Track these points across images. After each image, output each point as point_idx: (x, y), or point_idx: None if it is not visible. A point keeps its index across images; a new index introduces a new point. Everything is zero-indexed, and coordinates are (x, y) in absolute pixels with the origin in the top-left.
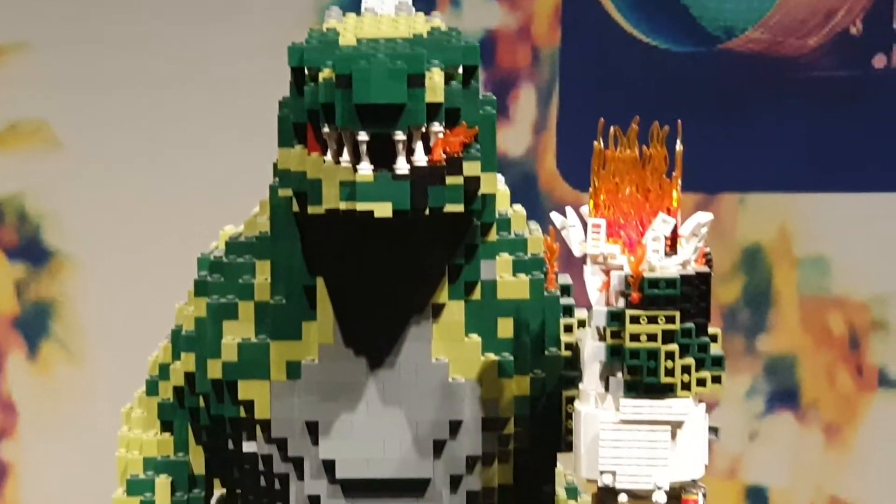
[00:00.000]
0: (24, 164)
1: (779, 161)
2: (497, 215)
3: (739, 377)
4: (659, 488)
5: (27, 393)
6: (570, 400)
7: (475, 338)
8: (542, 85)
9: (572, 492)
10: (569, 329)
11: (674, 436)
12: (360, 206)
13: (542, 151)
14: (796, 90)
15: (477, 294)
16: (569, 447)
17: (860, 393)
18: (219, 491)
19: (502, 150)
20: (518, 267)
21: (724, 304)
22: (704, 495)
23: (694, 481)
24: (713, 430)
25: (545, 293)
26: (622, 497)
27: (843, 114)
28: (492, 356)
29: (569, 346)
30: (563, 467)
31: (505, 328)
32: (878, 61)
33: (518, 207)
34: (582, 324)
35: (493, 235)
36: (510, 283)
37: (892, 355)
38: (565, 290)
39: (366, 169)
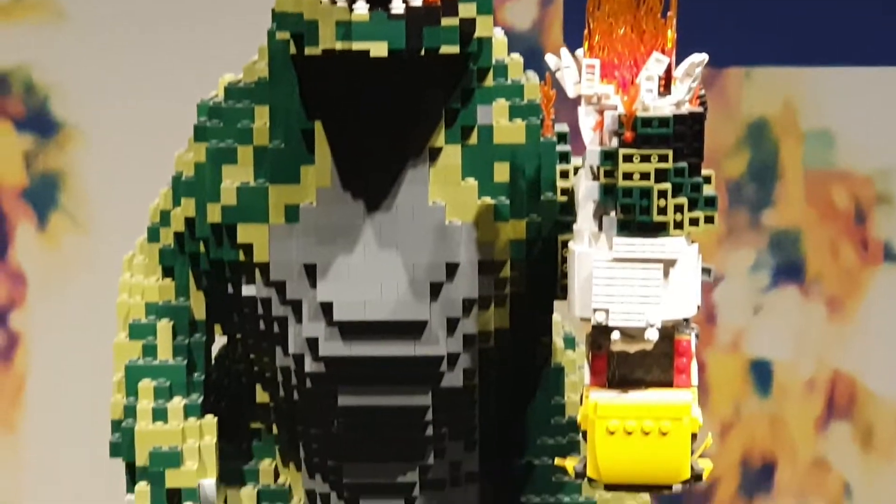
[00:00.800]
0: (31, 35)
1: (785, 34)
2: (494, 61)
3: (744, 251)
4: (651, 326)
5: (36, 263)
6: (566, 244)
7: (471, 181)
8: None
9: (570, 342)
10: (565, 175)
11: (666, 274)
12: (356, 46)
13: (548, 25)
14: None
15: (473, 138)
16: (565, 293)
17: (864, 267)
18: (220, 338)
19: (508, 24)
20: (514, 112)
21: (729, 179)
22: (697, 336)
23: (686, 322)
24: (706, 271)
25: (541, 139)
26: (615, 335)
27: None
28: (488, 200)
29: (565, 192)
30: (561, 318)
31: (501, 172)
32: None
33: (515, 56)
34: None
35: (489, 81)
36: (506, 128)
37: None
38: (562, 137)
39: (362, 8)
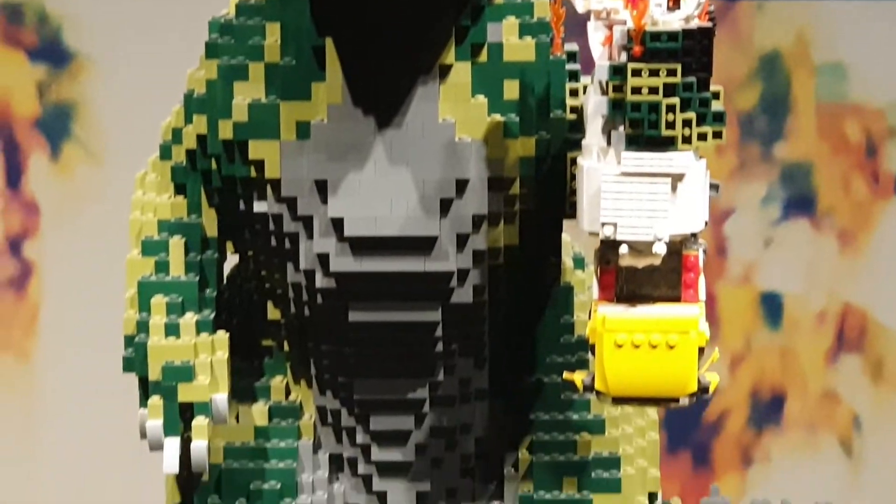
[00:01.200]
0: None
1: None
2: None
3: (756, 184)
4: (659, 240)
5: (49, 193)
6: (575, 161)
7: (481, 99)
8: None
9: (579, 262)
10: (574, 93)
11: (674, 189)
12: None
13: None
14: None
15: (483, 56)
16: (573, 210)
17: (875, 200)
18: (231, 257)
19: None
20: (524, 30)
21: (741, 111)
22: (705, 251)
23: (694, 237)
24: (714, 187)
25: (551, 57)
26: (623, 249)
27: None
28: (497, 117)
29: (574, 110)
30: (570, 238)
31: (511, 90)
32: None
33: None
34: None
35: None
36: (516, 46)
37: None
38: (571, 56)
39: None
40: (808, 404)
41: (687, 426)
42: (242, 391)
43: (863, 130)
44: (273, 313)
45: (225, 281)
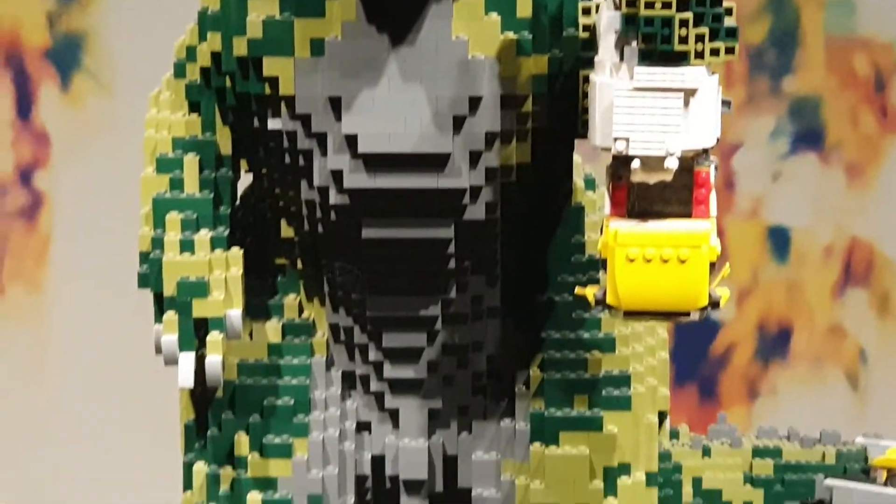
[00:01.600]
0: None
1: None
2: None
3: (764, 118)
4: (671, 154)
5: (60, 124)
6: (588, 80)
7: (494, 16)
8: None
9: (590, 183)
10: (587, 12)
11: (686, 104)
12: None
13: None
14: None
15: None
16: (585, 128)
17: (883, 134)
18: (245, 176)
19: None
20: None
21: (750, 45)
22: (716, 168)
23: (706, 153)
24: (726, 103)
25: None
26: (635, 164)
27: None
28: (510, 35)
29: (587, 28)
30: (581, 159)
31: (524, 7)
32: None
33: None
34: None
35: None
36: None
37: None
38: None
39: None
40: (815, 338)
41: (694, 359)
42: (256, 309)
43: (871, 64)
44: (286, 231)
45: (238, 201)
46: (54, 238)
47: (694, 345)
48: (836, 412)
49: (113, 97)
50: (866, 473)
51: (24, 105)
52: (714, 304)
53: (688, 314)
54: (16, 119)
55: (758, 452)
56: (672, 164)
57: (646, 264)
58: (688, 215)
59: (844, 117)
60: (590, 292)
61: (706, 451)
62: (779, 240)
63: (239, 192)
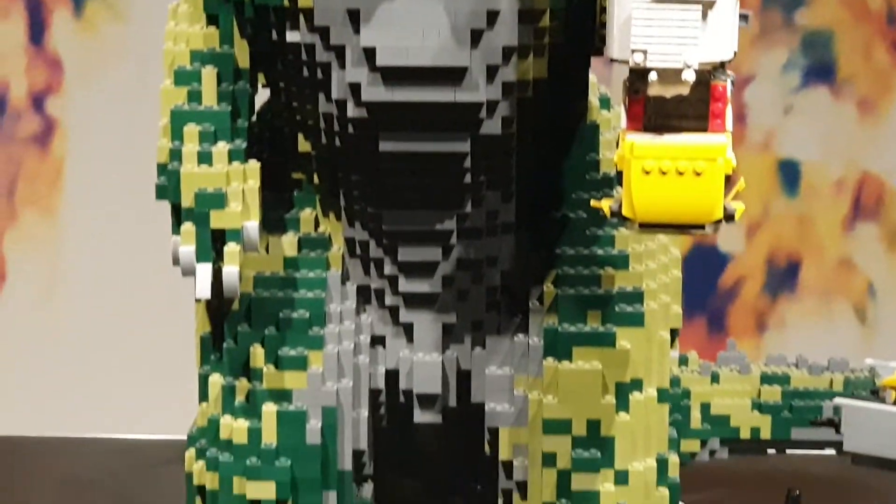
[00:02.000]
0: None
1: None
2: None
3: (776, 51)
4: (688, 66)
5: (73, 50)
6: None
7: None
8: None
9: (605, 102)
10: None
11: (704, 16)
12: None
13: None
14: None
15: None
16: (602, 45)
17: (895, 69)
18: (262, 92)
19: None
20: None
21: None
22: (733, 82)
23: (723, 67)
24: (743, 17)
25: None
26: (652, 76)
27: None
28: None
29: None
30: (597, 79)
31: None
32: None
33: None
34: None
35: None
36: None
37: None
38: None
39: None
40: (824, 271)
41: (702, 292)
42: (272, 223)
43: None
44: (303, 146)
45: (255, 115)
46: (68, 163)
47: (703, 277)
48: (844, 346)
49: (126, 24)
50: (875, 394)
51: (37, 31)
52: (729, 217)
53: (702, 227)
54: (28, 45)
55: (766, 379)
56: (689, 76)
57: (661, 177)
58: (704, 129)
59: (857, 51)
60: (605, 205)
61: (715, 378)
62: (789, 173)
63: (256, 108)
